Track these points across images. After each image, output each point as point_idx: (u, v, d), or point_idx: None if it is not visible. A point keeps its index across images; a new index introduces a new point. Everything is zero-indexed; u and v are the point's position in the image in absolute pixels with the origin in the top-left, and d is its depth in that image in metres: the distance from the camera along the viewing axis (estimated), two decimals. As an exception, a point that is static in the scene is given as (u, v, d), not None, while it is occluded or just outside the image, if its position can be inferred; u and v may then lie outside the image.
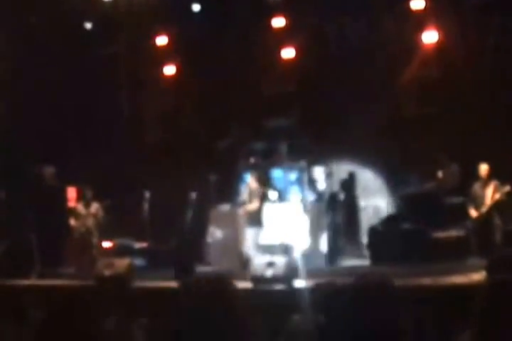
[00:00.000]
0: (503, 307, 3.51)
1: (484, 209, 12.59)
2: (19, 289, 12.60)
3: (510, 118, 14.03)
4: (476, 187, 12.77)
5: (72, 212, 14.61)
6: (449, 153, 14.08)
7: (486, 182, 12.62)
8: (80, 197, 14.68)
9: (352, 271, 12.30)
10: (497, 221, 12.51)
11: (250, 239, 13.63)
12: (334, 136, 15.80)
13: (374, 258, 13.57)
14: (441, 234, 13.33)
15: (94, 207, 14.29)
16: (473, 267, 11.06)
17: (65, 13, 17.05)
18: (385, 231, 14.36)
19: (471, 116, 14.42)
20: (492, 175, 12.63)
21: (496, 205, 12.52)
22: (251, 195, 13.72)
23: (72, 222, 14.36)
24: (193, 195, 17.16)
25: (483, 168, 12.57)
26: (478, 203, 12.68)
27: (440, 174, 13.92)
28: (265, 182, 15.20)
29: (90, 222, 14.25)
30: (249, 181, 13.81)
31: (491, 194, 12.50)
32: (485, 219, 12.55)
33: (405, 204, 14.52)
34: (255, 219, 13.62)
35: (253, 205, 13.65)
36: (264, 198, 13.76)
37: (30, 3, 16.19)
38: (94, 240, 14.28)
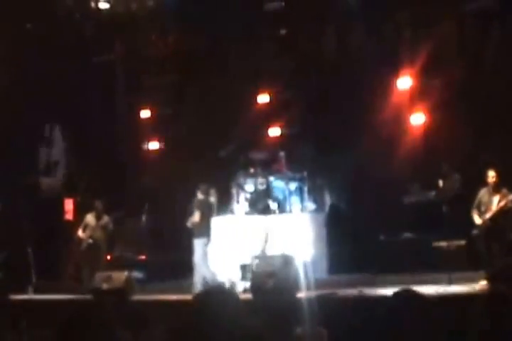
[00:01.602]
0: (505, 317, 3.49)
1: (488, 216, 12.17)
2: (17, 304, 12.49)
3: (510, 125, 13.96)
4: (483, 193, 12.28)
5: (82, 223, 14.35)
6: (450, 162, 13.98)
7: (494, 189, 12.21)
8: (91, 209, 14.38)
9: (354, 281, 12.18)
10: (501, 229, 12.19)
11: (198, 251, 13.35)
12: (334, 145, 15.73)
13: (375, 267, 13.45)
14: (442, 243, 13.22)
15: (105, 219, 14.07)
16: (474, 276, 10.99)
17: (63, 20, 16.99)
18: (386, 240, 14.26)
19: (471, 124, 14.34)
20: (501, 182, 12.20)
21: (501, 213, 12.13)
22: (194, 207, 13.57)
23: (80, 232, 14.09)
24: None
25: (491, 175, 12.16)
26: (483, 210, 12.27)
27: (441, 183, 13.80)
28: (266, 192, 15.13)
29: (99, 235, 14.02)
30: (197, 193, 13.64)
31: (497, 201, 12.10)
32: (489, 226, 12.19)
33: (407, 213, 14.41)
34: (199, 232, 13.40)
35: (193, 218, 13.44)
36: (207, 210, 13.56)
37: (27, 10, 16.10)
38: (101, 253, 14.05)
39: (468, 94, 14.64)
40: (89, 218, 14.20)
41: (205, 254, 13.30)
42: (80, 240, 14.04)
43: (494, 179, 11.93)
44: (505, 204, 11.86)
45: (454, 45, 14.96)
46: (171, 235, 17.28)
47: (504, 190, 11.92)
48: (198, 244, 13.34)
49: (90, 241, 13.92)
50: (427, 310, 3.46)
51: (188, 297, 11.17)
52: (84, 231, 14.09)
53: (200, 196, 13.57)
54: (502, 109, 14.19)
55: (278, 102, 16.96)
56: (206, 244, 13.34)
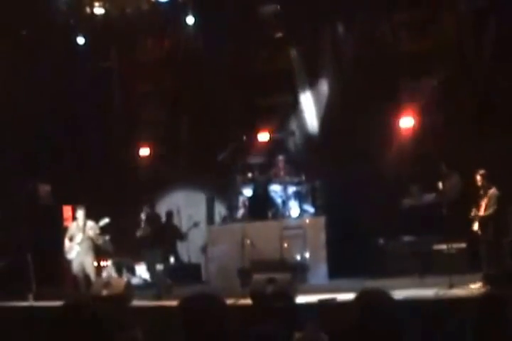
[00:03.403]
0: (503, 319, 3.48)
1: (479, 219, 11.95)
2: (17, 310, 12.42)
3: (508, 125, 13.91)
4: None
5: (67, 232, 14.12)
6: (450, 164, 13.90)
7: (483, 192, 12.05)
8: (74, 216, 14.20)
9: (354, 286, 12.10)
10: (491, 232, 11.99)
11: (148, 261, 14.03)
12: (333, 147, 15.70)
13: (376, 271, 13.39)
14: (442, 246, 13.16)
15: (89, 226, 13.86)
16: (475, 279, 10.92)
17: (57, 26, 16.92)
18: (386, 243, 14.20)
19: (470, 125, 14.30)
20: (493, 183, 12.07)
21: (491, 216, 11.93)
22: (144, 222, 14.02)
23: (67, 242, 13.86)
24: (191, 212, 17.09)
25: (477, 179, 11.98)
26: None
27: (441, 185, 13.73)
28: (264, 196, 15.09)
29: (86, 242, 13.79)
30: (145, 210, 14.09)
31: (485, 204, 11.91)
32: (480, 230, 11.98)
33: (406, 216, 14.35)
34: (150, 243, 13.79)
35: (141, 232, 13.89)
36: (155, 224, 14.02)
37: (22, 17, 16.02)
38: (91, 260, 13.86)
39: (466, 92, 14.62)
40: (74, 227, 13.95)
41: (155, 264, 13.82)
42: (68, 249, 13.80)
43: (480, 183, 11.83)
44: (495, 209, 11.62)
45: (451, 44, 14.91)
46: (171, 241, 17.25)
47: (490, 190, 11.73)
48: (147, 255, 13.92)
49: (78, 249, 13.68)
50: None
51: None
52: (70, 241, 13.83)
53: (146, 210, 13.96)
54: (499, 106, 14.17)
55: (278, 106, 16.93)
56: (156, 254, 13.80)
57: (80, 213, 13.77)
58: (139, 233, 13.93)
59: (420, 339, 9.04)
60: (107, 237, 14.82)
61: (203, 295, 3.25)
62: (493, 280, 10.45)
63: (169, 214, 17.26)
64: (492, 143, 13.89)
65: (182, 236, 16.84)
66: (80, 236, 13.65)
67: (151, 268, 14.01)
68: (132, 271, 15.95)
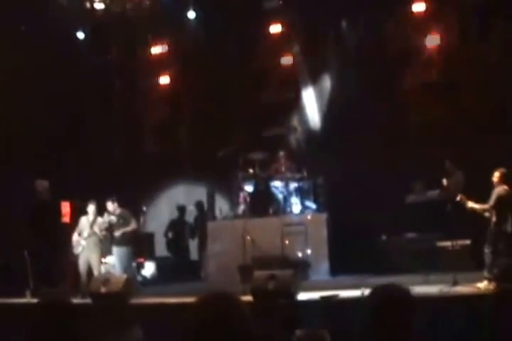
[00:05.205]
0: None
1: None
2: (15, 308, 12.32)
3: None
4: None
5: (75, 227, 14.06)
6: (454, 161, 13.82)
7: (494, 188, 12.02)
8: (84, 212, 14.11)
9: (356, 282, 11.98)
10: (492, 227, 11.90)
11: (118, 259, 13.90)
12: (335, 143, 15.60)
13: (378, 268, 13.27)
14: (446, 243, 13.04)
15: (99, 222, 13.79)
16: (480, 277, 10.78)
17: (58, 21, 16.81)
18: (389, 240, 14.10)
19: (474, 123, 14.21)
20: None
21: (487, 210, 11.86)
22: (128, 218, 13.90)
23: (75, 237, 13.81)
24: (191, 209, 17.02)
25: (495, 175, 11.95)
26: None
27: (445, 182, 13.63)
28: (266, 192, 14.99)
29: (94, 238, 13.73)
30: (109, 207, 13.84)
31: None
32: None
33: (410, 212, 14.24)
34: (125, 240, 13.78)
35: (130, 227, 13.76)
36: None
37: (21, 12, 15.92)
38: (97, 256, 13.77)
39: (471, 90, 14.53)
40: (84, 221, 13.90)
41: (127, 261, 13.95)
42: (76, 244, 13.75)
43: (496, 180, 11.76)
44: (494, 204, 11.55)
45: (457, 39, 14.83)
46: (173, 238, 17.20)
47: (498, 188, 11.66)
48: (122, 251, 13.85)
49: (84, 244, 13.62)
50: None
51: (185, 300, 11.03)
52: (79, 235, 13.80)
53: (117, 210, 13.86)
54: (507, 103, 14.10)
55: (280, 101, 16.85)
56: (132, 252, 13.99)
57: (91, 208, 13.75)
58: (124, 228, 13.76)
59: (424, 336, 8.92)
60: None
61: (220, 294, 3.09)
62: (498, 277, 10.32)
63: (182, 209, 17.20)
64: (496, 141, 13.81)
65: (193, 233, 16.80)
66: (87, 231, 13.62)
67: (125, 266, 13.82)
68: (138, 268, 15.91)
